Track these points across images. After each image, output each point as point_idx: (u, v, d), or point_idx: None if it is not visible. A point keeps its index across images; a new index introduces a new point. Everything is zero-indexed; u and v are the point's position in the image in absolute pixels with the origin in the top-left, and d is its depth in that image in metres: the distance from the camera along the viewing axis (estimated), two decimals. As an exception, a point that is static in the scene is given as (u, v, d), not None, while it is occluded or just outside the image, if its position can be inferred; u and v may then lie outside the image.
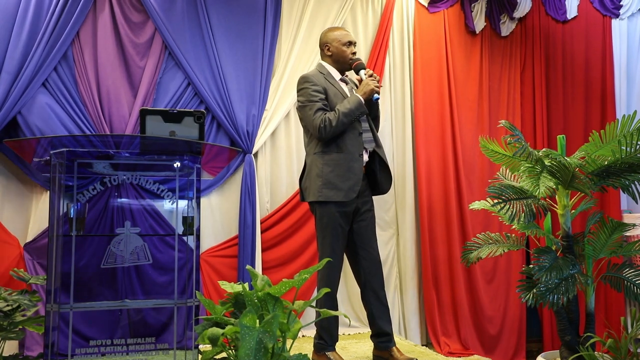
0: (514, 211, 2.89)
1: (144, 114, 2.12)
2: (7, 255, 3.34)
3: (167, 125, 2.15)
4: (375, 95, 2.80)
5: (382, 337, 2.92)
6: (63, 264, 1.91)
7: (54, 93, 3.49)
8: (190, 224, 2.11)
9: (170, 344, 2.00)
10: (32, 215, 3.52)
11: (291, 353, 1.74)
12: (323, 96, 2.88)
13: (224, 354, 1.88)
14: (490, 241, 3.42)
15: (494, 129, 4.67)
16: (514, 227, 3.22)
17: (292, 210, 4.04)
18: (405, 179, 4.51)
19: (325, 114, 2.81)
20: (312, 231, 4.08)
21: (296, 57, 4.16)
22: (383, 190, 3.06)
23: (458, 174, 4.60)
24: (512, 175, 3.40)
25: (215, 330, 1.74)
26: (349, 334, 3.92)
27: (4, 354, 2.17)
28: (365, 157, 2.95)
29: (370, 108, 2.94)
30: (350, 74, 3.13)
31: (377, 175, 3.01)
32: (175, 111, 2.17)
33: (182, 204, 2.12)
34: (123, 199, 3.25)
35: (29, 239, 3.45)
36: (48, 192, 3.49)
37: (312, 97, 2.86)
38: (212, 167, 2.77)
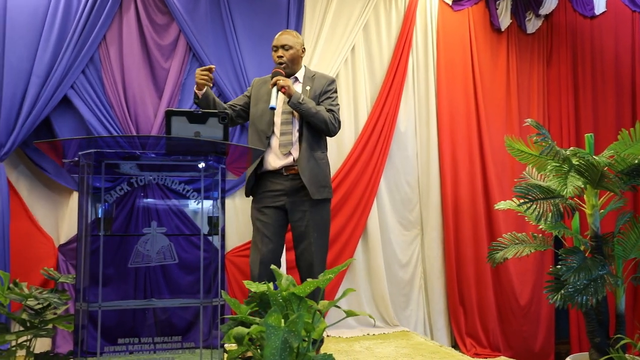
0: (541, 211, 2.84)
1: (169, 115, 2.14)
2: (42, 256, 3.43)
3: (192, 126, 2.16)
4: (270, 105, 2.79)
5: None
6: (91, 263, 1.93)
7: (82, 95, 3.55)
8: (215, 224, 2.12)
9: (196, 343, 2.01)
10: (66, 216, 3.59)
11: (316, 353, 1.74)
12: (247, 94, 3.16)
13: (249, 353, 1.88)
14: (517, 241, 3.37)
15: (524, 128, 4.62)
16: (540, 227, 3.18)
17: (316, 210, 4.04)
18: (429, 178, 4.48)
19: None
20: (336, 230, 4.09)
21: (319, 57, 4.17)
22: (312, 194, 2.92)
23: (486, 173, 4.56)
24: (539, 175, 3.35)
25: (241, 329, 1.75)
26: (374, 334, 3.91)
27: (35, 351, 2.21)
28: (288, 160, 2.94)
29: (306, 116, 2.92)
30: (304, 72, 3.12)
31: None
32: (200, 112, 2.18)
33: (207, 204, 2.13)
34: (149, 199, 3.29)
35: (62, 240, 3.54)
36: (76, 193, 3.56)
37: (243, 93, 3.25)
38: (236, 167, 2.78)
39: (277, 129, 2.97)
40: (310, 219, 2.94)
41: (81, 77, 3.57)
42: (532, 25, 4.90)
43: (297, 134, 2.96)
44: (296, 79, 3.06)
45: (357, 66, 4.36)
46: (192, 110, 2.37)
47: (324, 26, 4.22)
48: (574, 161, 2.84)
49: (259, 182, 3.02)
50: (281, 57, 2.99)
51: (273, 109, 2.77)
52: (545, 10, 4.83)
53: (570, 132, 4.92)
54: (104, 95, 3.64)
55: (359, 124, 4.33)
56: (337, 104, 3.07)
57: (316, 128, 2.96)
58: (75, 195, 3.57)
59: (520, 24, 4.88)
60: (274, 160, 2.95)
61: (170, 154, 2.12)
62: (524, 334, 4.54)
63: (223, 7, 3.92)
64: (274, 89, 2.81)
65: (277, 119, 2.97)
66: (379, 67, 4.44)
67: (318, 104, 2.97)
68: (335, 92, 3.10)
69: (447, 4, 4.64)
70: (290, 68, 3.02)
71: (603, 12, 5.13)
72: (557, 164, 2.93)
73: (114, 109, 3.63)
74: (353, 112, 4.34)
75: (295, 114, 2.95)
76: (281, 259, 3.85)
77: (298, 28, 4.14)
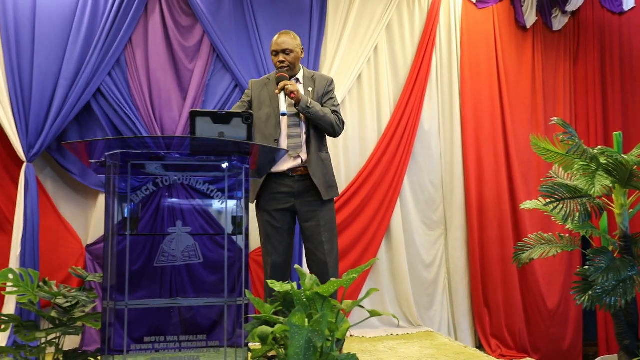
0: (568, 211, 2.80)
1: (193, 115, 2.15)
2: (70, 255, 3.51)
3: (216, 126, 2.17)
4: (282, 111, 2.74)
5: None
6: (118, 262, 1.96)
7: (108, 97, 3.61)
8: (239, 224, 2.13)
9: (220, 342, 2.03)
10: (93, 217, 3.66)
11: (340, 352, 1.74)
12: (247, 99, 3.06)
13: (273, 353, 1.89)
14: (543, 241, 3.32)
15: (550, 126, 4.55)
16: (567, 227, 3.13)
17: (339, 210, 4.04)
18: (453, 178, 4.45)
19: None
20: (359, 230, 4.08)
21: (342, 57, 4.16)
22: (322, 195, 2.95)
23: (511, 172, 4.50)
24: (566, 174, 3.30)
25: (265, 328, 1.76)
26: (397, 335, 3.90)
27: (63, 349, 2.26)
28: (296, 162, 2.93)
29: (315, 119, 2.92)
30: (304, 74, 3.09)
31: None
32: (224, 112, 2.19)
33: (231, 204, 2.14)
34: (174, 199, 3.32)
35: (90, 240, 3.61)
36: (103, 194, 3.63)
37: (241, 99, 3.12)
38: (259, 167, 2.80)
39: (284, 132, 2.95)
40: (320, 219, 2.95)
41: (107, 79, 3.63)
42: (559, 22, 4.83)
43: (304, 137, 2.96)
44: (297, 80, 3.05)
45: (380, 66, 4.34)
46: (216, 110, 2.39)
47: (347, 26, 4.22)
48: (602, 160, 2.79)
49: (262, 185, 2.99)
50: (283, 62, 2.95)
51: (285, 115, 2.76)
52: (572, 6, 4.75)
53: (598, 130, 4.83)
54: (130, 97, 3.69)
55: (382, 123, 4.32)
56: (339, 104, 3.09)
57: (322, 130, 2.98)
58: (101, 197, 3.64)
59: (546, 21, 4.81)
60: (282, 162, 2.93)
61: (194, 154, 2.14)
62: (551, 336, 4.47)
63: (246, 8, 3.94)
64: (282, 94, 2.78)
65: (284, 122, 2.95)
66: (402, 66, 4.42)
67: (322, 105, 2.98)
68: (334, 91, 3.12)
69: (471, 2, 4.59)
70: (292, 71, 3.00)
71: (632, 8, 5.03)
72: (585, 163, 2.88)
73: (140, 110, 3.68)
74: (376, 112, 4.33)
75: (302, 116, 2.95)
76: (304, 260, 3.87)
77: (321, 28, 4.14)
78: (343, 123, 3.05)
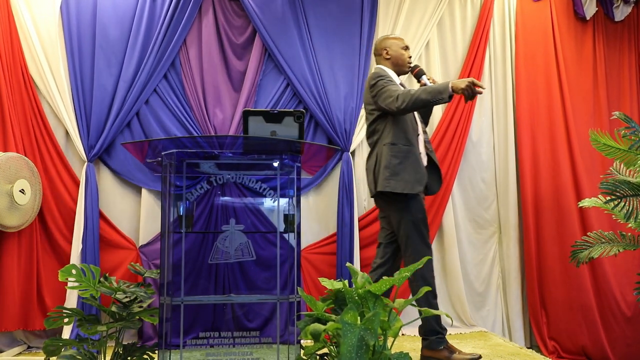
0: (630, 209, 2.69)
1: (246, 115, 2.18)
2: (126, 257, 3.63)
3: (268, 125, 2.20)
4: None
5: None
6: (174, 259, 2.01)
7: (164, 98, 3.71)
8: (291, 222, 2.15)
9: (273, 339, 2.05)
10: (141, 218, 3.75)
11: (392, 351, 1.73)
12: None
13: (325, 350, 1.90)
14: (603, 240, 3.20)
15: (613, 120, 4.37)
16: (629, 225, 3.00)
17: (390, 208, 4.00)
18: (507, 175, 4.33)
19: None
20: (410, 229, 4.02)
21: (393, 54, 4.13)
22: (433, 191, 3.06)
23: (574, 168, 4.30)
24: (628, 170, 3.17)
25: (317, 326, 1.76)
26: (450, 334, 3.83)
27: (123, 342, 2.33)
28: (425, 159, 2.99)
29: (428, 112, 3.13)
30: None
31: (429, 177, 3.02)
32: (275, 111, 2.21)
33: (283, 202, 2.16)
34: (227, 197, 3.38)
35: (142, 241, 3.70)
36: (150, 195, 3.74)
37: (391, 82, 2.91)
38: (310, 165, 2.81)
39: (421, 129, 3.02)
40: None
41: (163, 80, 3.73)
42: (621, 12, 4.63)
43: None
44: (403, 85, 3.13)
45: (431, 62, 4.28)
46: (268, 110, 2.42)
47: (398, 23, 4.17)
48: (668, 156, 2.67)
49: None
50: (410, 57, 3.11)
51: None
52: (634, -5, 4.55)
53: (663, 125, 4.60)
54: (184, 98, 3.78)
55: (433, 121, 4.25)
56: None
57: None
58: (144, 200, 3.74)
59: (607, 11, 4.62)
60: (422, 159, 2.96)
61: (247, 153, 2.17)
62: (627, 340, 4.24)
63: (298, 8, 3.96)
64: (428, 84, 2.89)
65: (418, 119, 3.04)
66: (453, 62, 4.34)
67: None
68: None
69: (527, -5, 4.47)
70: None
71: (700, -5, 4.77)
72: (649, 159, 2.76)
73: (194, 110, 3.77)
74: (427, 109, 4.28)
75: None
76: (355, 257, 3.86)
77: (371, 26, 4.11)
78: None
